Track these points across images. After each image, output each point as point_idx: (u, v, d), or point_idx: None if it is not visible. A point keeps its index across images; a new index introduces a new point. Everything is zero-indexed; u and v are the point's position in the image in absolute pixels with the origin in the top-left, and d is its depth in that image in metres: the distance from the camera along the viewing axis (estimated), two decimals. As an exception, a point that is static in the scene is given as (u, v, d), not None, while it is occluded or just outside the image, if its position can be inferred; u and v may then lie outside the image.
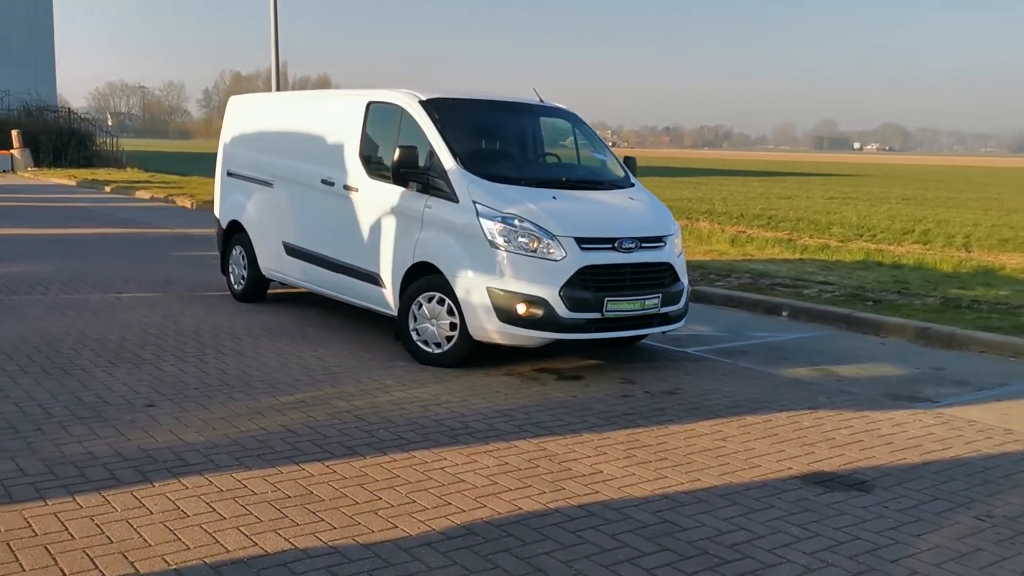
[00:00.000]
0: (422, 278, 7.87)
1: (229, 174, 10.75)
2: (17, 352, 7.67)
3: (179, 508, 4.62)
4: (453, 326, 7.66)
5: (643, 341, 8.76)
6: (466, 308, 7.47)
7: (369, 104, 8.68)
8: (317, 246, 9.14)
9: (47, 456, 5.27)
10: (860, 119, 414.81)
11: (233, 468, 5.20)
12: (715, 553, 4.32)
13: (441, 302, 7.71)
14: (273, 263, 9.96)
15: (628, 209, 8.06)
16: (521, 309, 7.27)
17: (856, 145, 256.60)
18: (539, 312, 7.26)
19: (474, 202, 7.52)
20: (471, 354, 7.68)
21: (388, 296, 8.25)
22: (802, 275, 13.01)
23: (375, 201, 8.36)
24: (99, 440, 5.57)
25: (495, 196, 7.55)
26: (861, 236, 20.95)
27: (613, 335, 7.70)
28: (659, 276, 7.77)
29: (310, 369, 7.51)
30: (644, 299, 7.61)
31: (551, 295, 7.25)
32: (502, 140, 8.85)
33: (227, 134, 10.94)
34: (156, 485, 4.91)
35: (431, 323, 7.77)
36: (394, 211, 8.14)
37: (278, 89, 28.02)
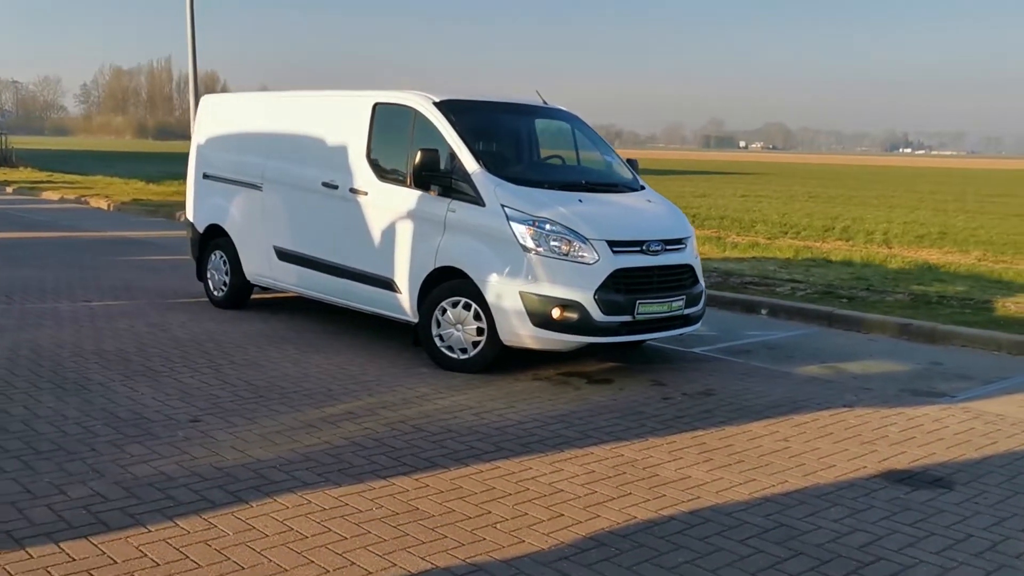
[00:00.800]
0: (445, 283, 7.73)
1: (205, 176, 10.37)
2: (16, 367, 7.25)
3: (293, 529, 4.43)
4: (480, 331, 7.55)
5: (650, 342, 8.80)
6: (497, 313, 7.38)
7: (376, 105, 8.48)
8: (316, 251, 8.89)
9: (119, 478, 4.99)
10: (745, 119, 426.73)
11: (321, 484, 5.01)
12: (848, 556, 4.36)
13: (467, 307, 7.59)
14: (261, 268, 9.65)
15: (649, 212, 8.09)
16: (556, 313, 7.22)
17: (742, 144, 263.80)
18: (574, 316, 7.22)
19: (502, 206, 7.43)
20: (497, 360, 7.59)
21: (403, 302, 8.08)
22: (766, 273, 13.28)
23: (387, 205, 8.18)
24: (164, 459, 5.30)
25: (524, 199, 7.48)
26: (786, 234, 21.49)
27: (642, 337, 7.72)
28: (682, 278, 7.83)
29: (336, 378, 7.30)
30: (671, 301, 7.65)
31: (586, 299, 7.22)
32: (517, 142, 8.77)
33: (201, 135, 10.55)
34: (254, 505, 4.70)
35: (456, 329, 7.64)
36: (411, 215, 7.97)
37: (195, 86, 27.22)
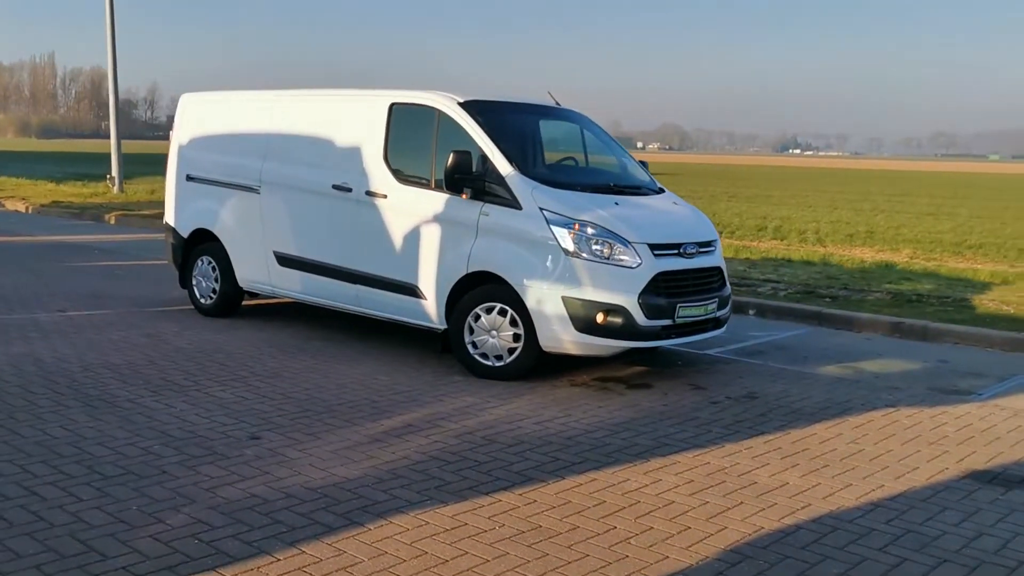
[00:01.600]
0: (479, 288, 7.53)
1: (190, 179, 9.91)
2: (30, 384, 6.78)
3: (428, 553, 4.21)
4: (516, 337, 7.38)
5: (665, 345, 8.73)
6: (538, 318, 7.22)
7: (392, 106, 8.21)
8: (324, 256, 8.57)
9: (212, 503, 4.67)
10: (642, 120, 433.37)
11: (426, 503, 4.79)
12: (991, 561, 4.36)
13: (503, 313, 7.41)
14: (257, 275, 9.27)
15: (678, 214, 8.04)
16: (600, 318, 7.10)
17: (640, 144, 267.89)
18: (618, 321, 7.11)
19: (541, 208, 7.27)
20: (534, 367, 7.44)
21: (428, 308, 7.85)
22: (739, 274, 13.39)
23: (409, 208, 7.93)
24: (248, 481, 5.00)
25: (562, 202, 7.33)
26: (722, 233, 21.78)
27: (680, 341, 7.67)
28: (714, 280, 7.80)
29: (371, 388, 7.03)
30: (706, 304, 7.61)
31: (630, 303, 7.12)
32: (542, 144, 8.60)
33: (183, 135, 10.08)
34: (371, 528, 4.46)
35: (491, 335, 7.45)
36: (437, 219, 7.75)
37: (115, 84, 26.18)
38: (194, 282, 9.87)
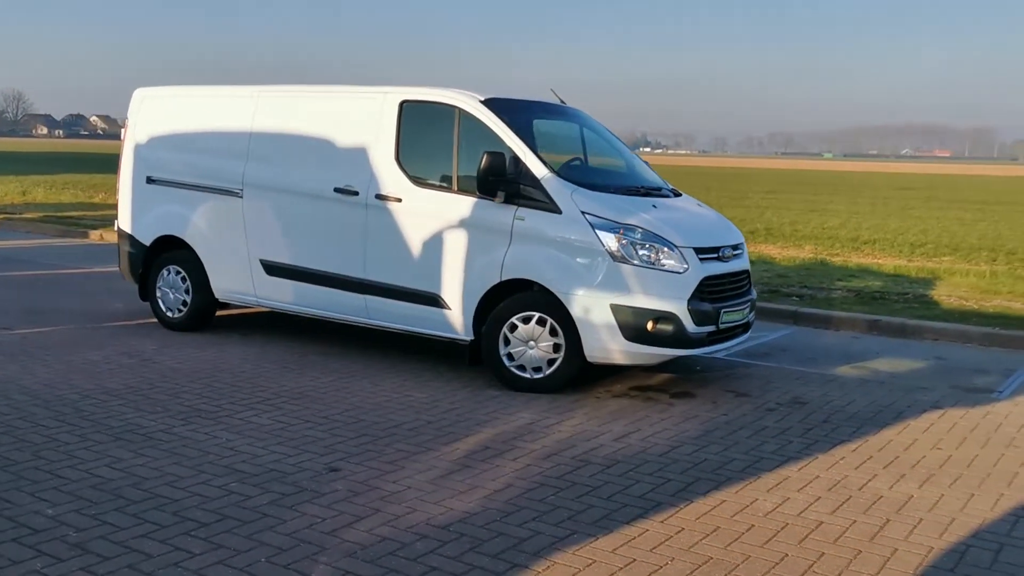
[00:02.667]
0: (514, 297, 7.13)
1: (151, 181, 9.09)
2: (31, 415, 6.01)
3: (624, 597, 3.83)
4: (556, 348, 7.02)
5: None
6: (584, 328, 6.87)
7: (403, 104, 7.69)
8: (325, 264, 7.98)
9: (345, 549, 4.16)
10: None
11: (575, 538, 4.40)
12: None
13: (541, 322, 7.03)
14: (239, 285, 8.58)
15: (708, 217, 7.84)
16: (650, 326, 6.81)
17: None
18: (668, 328, 6.85)
19: (583, 212, 6.93)
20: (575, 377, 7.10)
21: (453, 319, 7.39)
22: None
23: (429, 213, 7.45)
24: (367, 521, 4.49)
25: (605, 206, 7.02)
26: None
27: (719, 348, 7.44)
28: (745, 284, 7.64)
29: (416, 408, 6.55)
30: (743, 308, 7.44)
31: (680, 309, 6.86)
32: (566, 145, 8.22)
33: (140, 134, 9.24)
34: (541, 571, 4.04)
35: (528, 346, 7.07)
36: (463, 224, 7.30)
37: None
38: (159, 294, 9.06)
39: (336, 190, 7.83)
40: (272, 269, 8.32)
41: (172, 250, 8.97)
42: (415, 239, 7.50)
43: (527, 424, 6.24)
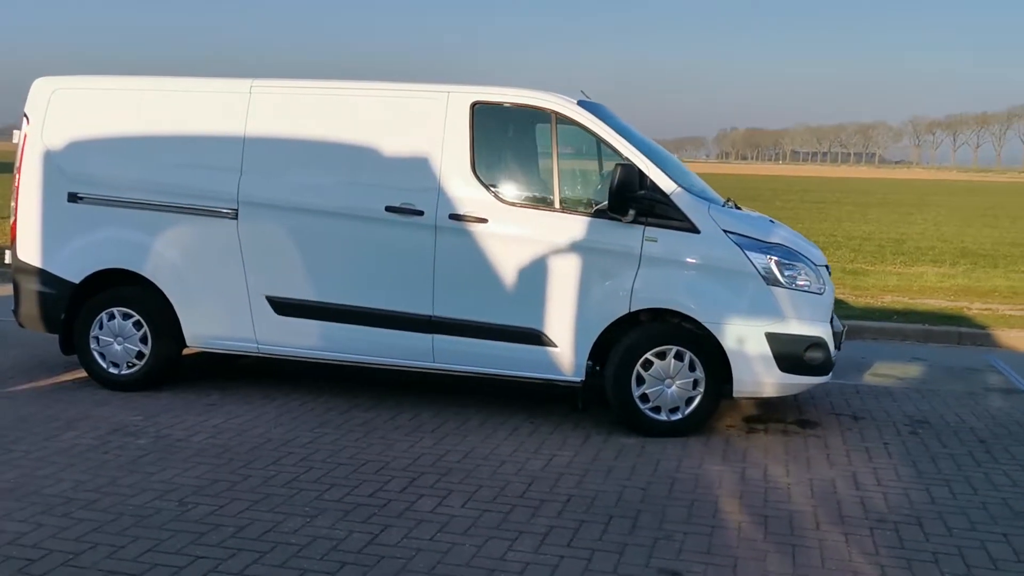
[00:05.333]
0: (648, 329, 6.25)
1: (76, 199, 7.04)
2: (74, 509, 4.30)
3: None
4: (695, 384, 6.25)
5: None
6: (737, 360, 6.15)
7: (475, 106, 6.47)
8: (373, 300, 6.55)
9: None
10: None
11: None
12: None
13: (679, 356, 6.22)
14: (230, 329, 6.86)
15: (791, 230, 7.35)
16: (806, 354, 6.25)
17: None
18: (819, 355, 6.31)
19: (726, 231, 6.20)
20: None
21: (562, 358, 6.34)
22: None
23: (525, 236, 6.34)
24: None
25: (744, 223, 6.35)
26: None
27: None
28: (830, 301, 7.27)
29: (552, 475, 5.52)
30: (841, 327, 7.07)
31: (827, 333, 6.36)
32: (658, 156, 7.26)
33: (54, 137, 7.11)
34: None
35: (666, 384, 6.23)
36: (574, 247, 6.28)
37: None
38: (95, 345, 7.03)
39: (389, 209, 6.45)
40: (285, 308, 6.71)
41: (115, 288, 7.00)
42: (506, 266, 6.35)
43: (694, 478, 5.46)
